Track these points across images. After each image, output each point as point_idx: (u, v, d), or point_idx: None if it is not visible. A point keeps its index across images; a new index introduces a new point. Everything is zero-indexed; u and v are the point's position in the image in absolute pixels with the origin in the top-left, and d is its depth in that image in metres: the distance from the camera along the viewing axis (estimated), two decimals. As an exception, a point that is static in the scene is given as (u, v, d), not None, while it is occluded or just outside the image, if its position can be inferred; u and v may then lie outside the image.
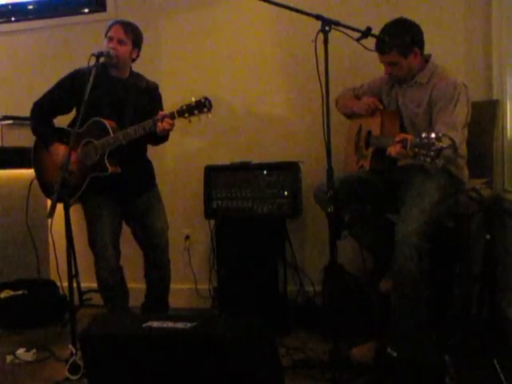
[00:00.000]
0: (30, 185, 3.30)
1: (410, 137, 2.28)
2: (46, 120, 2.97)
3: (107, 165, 2.78)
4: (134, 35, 2.89)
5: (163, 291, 3.10)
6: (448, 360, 2.22)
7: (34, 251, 3.51)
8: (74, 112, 2.96)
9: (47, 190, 3.01)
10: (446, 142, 2.41)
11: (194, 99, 2.66)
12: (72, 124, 2.91)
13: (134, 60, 2.98)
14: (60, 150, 2.88)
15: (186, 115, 2.66)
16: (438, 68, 2.68)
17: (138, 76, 3.03)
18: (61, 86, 2.95)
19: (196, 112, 2.65)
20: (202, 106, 2.64)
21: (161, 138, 2.89)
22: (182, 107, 2.67)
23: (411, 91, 2.70)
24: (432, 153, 2.12)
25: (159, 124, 2.69)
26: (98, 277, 2.91)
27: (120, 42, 2.85)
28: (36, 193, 3.26)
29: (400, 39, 2.58)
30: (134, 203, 2.98)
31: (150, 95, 3.00)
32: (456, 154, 2.52)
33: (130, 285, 3.05)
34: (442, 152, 2.13)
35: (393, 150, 2.43)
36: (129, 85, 2.94)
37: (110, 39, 2.85)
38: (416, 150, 2.18)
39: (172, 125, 2.71)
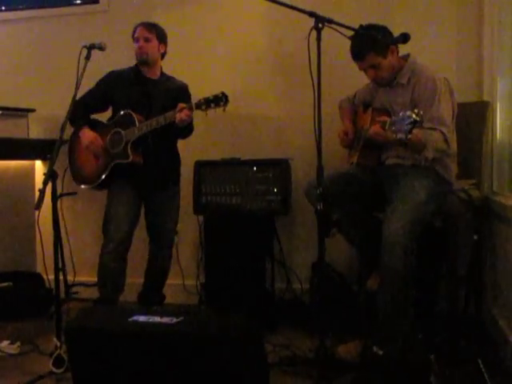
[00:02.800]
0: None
1: (389, 119, 2.29)
2: (83, 114, 3.09)
3: (129, 153, 2.93)
4: (156, 30, 3.08)
5: (158, 282, 3.22)
6: (433, 359, 2.23)
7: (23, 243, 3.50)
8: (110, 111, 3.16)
9: (77, 178, 3.15)
10: (435, 135, 2.43)
11: (212, 93, 2.81)
12: (109, 119, 3.13)
13: (163, 56, 3.15)
14: (86, 133, 3.04)
15: (203, 107, 2.82)
16: (416, 65, 2.67)
17: (169, 77, 3.19)
18: (97, 86, 3.15)
19: (213, 105, 2.81)
20: (218, 99, 2.81)
21: (184, 129, 3.00)
22: (200, 100, 2.83)
23: (394, 93, 2.70)
24: (406, 127, 2.13)
25: (177, 114, 2.84)
26: (100, 259, 2.98)
27: (146, 39, 3.04)
28: (24, 184, 3.23)
29: (373, 40, 2.57)
30: (156, 197, 3.10)
31: (178, 94, 3.09)
32: (448, 147, 2.53)
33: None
34: (415, 125, 2.13)
35: (372, 130, 2.44)
36: (159, 84, 3.12)
37: (137, 40, 3.05)
38: (393, 128, 2.19)
39: (189, 116, 2.85)
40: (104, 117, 3.18)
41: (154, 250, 3.20)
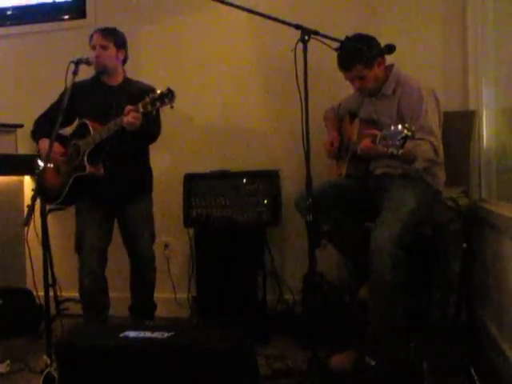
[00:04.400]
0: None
1: (380, 132, 2.30)
2: (43, 129, 2.96)
3: (85, 164, 2.80)
4: (113, 37, 2.95)
5: (145, 299, 3.13)
6: (426, 368, 2.23)
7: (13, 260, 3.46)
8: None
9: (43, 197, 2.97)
10: (424, 145, 2.45)
11: (158, 91, 2.64)
12: (72, 134, 2.98)
13: (124, 62, 3.03)
14: (43, 143, 2.89)
15: (149, 107, 2.65)
16: (401, 76, 2.69)
17: (132, 81, 3.05)
18: (59, 99, 2.99)
19: (158, 103, 2.63)
20: (163, 97, 2.62)
21: (140, 134, 2.80)
22: (145, 99, 2.66)
23: (380, 104, 2.72)
24: (398, 142, 2.13)
25: (124, 118, 2.68)
26: (80, 283, 2.90)
27: (102, 47, 2.91)
28: (13, 200, 3.21)
29: (360, 52, 2.59)
30: (125, 210, 2.98)
31: (142, 98, 2.92)
32: (437, 156, 2.55)
33: (112, 294, 3.03)
34: (407, 140, 2.12)
35: (362, 144, 2.45)
36: (119, 90, 2.98)
37: (93, 48, 2.92)
38: (384, 142, 2.19)
39: (137, 118, 2.68)
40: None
41: (135, 266, 3.07)
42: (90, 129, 2.82)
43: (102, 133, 2.77)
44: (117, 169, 2.88)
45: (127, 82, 3.03)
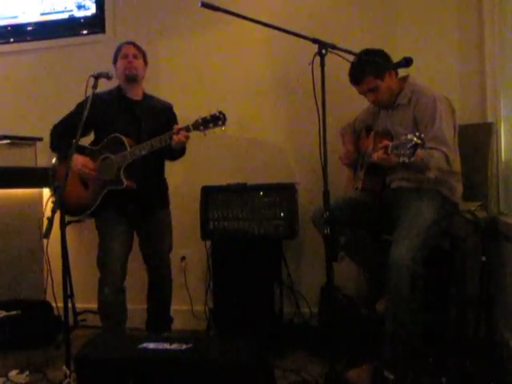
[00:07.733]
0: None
1: (391, 142, 2.30)
2: (64, 139, 2.96)
3: (123, 179, 2.85)
4: (142, 51, 3.06)
5: (163, 312, 3.16)
6: (445, 382, 2.21)
7: (31, 271, 3.50)
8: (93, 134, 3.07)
9: (67, 209, 2.97)
10: (436, 154, 2.44)
11: (209, 113, 2.74)
12: (93, 144, 3.03)
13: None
14: (78, 159, 2.90)
15: (201, 128, 2.75)
16: (416, 85, 2.70)
17: (152, 97, 3.14)
18: (77, 109, 3.02)
19: (211, 125, 2.74)
20: (217, 119, 2.73)
21: (177, 152, 2.97)
22: (197, 121, 2.75)
23: (395, 114, 2.73)
24: (408, 150, 2.14)
25: (174, 137, 2.77)
26: (100, 294, 2.93)
27: (135, 56, 3.00)
28: (32, 212, 3.25)
29: (370, 64, 2.60)
30: (147, 222, 3.03)
31: (165, 115, 3.07)
32: (449, 166, 2.54)
33: (129, 306, 3.04)
34: (417, 148, 2.13)
35: (375, 155, 2.46)
36: (144, 105, 3.05)
37: (125, 56, 2.99)
38: (395, 151, 2.20)
39: (187, 137, 2.78)
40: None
41: (156, 277, 3.12)
42: (126, 144, 2.86)
43: (144, 148, 2.81)
44: (144, 182, 2.94)
45: (148, 97, 3.11)
